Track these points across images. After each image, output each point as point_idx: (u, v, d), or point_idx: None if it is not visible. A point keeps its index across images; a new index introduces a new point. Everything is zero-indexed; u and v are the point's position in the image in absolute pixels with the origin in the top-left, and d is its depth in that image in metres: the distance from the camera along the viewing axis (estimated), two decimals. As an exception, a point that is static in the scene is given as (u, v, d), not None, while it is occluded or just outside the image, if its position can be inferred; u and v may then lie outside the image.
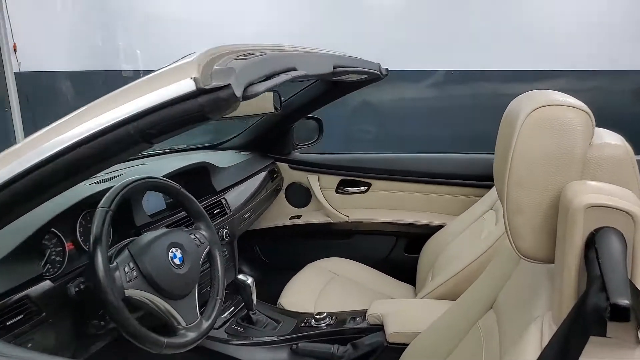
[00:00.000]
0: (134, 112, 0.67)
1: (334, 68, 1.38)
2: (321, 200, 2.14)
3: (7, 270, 0.92)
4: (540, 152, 0.66)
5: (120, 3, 4.76)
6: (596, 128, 0.70)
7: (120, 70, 4.07)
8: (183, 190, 1.20)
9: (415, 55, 3.23)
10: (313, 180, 2.16)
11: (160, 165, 1.47)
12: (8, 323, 0.88)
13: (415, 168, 2.09)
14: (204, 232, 1.21)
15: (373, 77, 1.70)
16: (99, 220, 0.96)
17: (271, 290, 1.78)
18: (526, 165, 0.67)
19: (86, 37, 4.71)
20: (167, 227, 1.31)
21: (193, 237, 1.17)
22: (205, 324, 1.10)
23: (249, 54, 0.87)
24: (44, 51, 4.51)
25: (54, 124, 0.71)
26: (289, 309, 1.60)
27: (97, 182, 1.25)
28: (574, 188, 0.62)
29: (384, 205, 2.14)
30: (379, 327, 1.35)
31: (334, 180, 2.16)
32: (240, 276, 1.44)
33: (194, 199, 1.23)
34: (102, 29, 4.67)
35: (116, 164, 0.75)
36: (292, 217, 2.21)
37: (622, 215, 0.58)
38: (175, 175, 1.46)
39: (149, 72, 0.74)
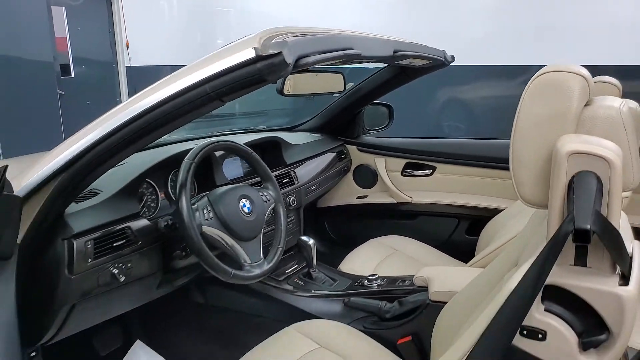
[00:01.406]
0: (210, 74, 0.87)
1: (394, 52, 1.52)
2: (387, 181, 2.27)
3: (113, 206, 1.19)
4: (541, 111, 0.76)
5: (220, 3, 5.21)
6: (601, 97, 0.79)
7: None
8: (254, 154, 1.42)
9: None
10: (379, 163, 2.30)
11: (240, 139, 1.70)
12: (114, 244, 1.15)
13: (479, 153, 2.15)
14: (270, 192, 1.42)
15: (437, 63, 1.81)
16: (184, 170, 1.20)
17: (334, 260, 1.96)
18: (529, 123, 0.77)
19: (189, 34, 5.22)
20: None
21: (261, 194, 1.38)
22: (267, 266, 1.31)
23: (307, 34, 1.05)
24: (153, 47, 5.07)
25: (151, 86, 0.94)
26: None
27: (186, 143, 1.51)
28: (564, 139, 0.72)
29: (447, 188, 2.22)
30: (425, 289, 1.47)
31: (400, 163, 2.28)
32: (304, 237, 1.63)
33: (262, 162, 1.44)
34: (203, 27, 5.13)
35: (197, 117, 0.96)
36: (359, 197, 2.37)
37: (599, 161, 0.67)
38: (251, 146, 1.69)
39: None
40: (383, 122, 2.40)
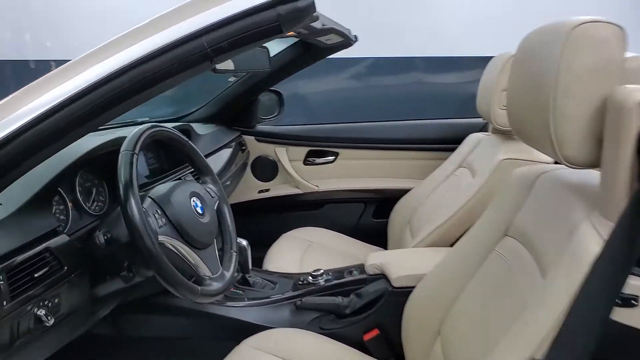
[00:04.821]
0: (209, 23, 0.64)
1: (322, 25, 1.40)
2: (290, 171, 2.14)
3: (22, 223, 0.84)
4: (586, 64, 0.72)
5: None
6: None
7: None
8: (190, 143, 1.15)
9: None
10: (281, 153, 2.16)
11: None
12: (36, 275, 0.81)
13: (380, 135, 2.17)
14: (212, 187, 1.18)
15: (345, 42, 1.73)
16: (126, 164, 0.90)
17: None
18: (573, 77, 0.73)
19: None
20: None
21: (206, 190, 1.14)
22: (228, 275, 1.08)
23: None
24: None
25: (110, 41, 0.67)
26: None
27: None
28: (622, 92, 0.69)
29: (351, 173, 2.19)
30: (380, 277, 1.39)
31: (302, 151, 2.17)
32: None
33: (200, 153, 1.19)
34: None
35: (180, 83, 0.71)
36: (260, 191, 2.19)
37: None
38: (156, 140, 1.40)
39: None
40: (274, 110, 2.26)
